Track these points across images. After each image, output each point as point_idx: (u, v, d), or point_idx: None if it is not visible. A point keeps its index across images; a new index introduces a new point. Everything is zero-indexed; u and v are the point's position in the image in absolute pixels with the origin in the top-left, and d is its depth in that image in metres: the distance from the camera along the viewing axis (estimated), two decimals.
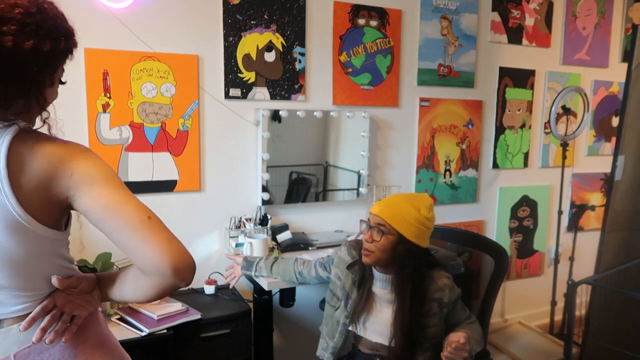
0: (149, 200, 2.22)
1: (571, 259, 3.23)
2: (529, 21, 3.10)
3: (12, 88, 0.86)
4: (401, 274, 1.57)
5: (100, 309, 1.08)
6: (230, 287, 2.13)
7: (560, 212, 3.13)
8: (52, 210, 0.89)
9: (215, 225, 2.39)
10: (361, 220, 1.65)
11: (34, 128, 0.93)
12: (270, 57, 2.39)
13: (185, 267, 0.85)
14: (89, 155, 0.91)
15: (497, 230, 3.21)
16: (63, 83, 1.00)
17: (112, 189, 0.88)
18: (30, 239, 0.88)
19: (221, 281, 2.25)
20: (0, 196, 0.84)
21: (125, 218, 0.85)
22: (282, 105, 2.43)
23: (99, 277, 1.05)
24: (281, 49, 2.41)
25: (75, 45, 0.99)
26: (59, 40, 0.91)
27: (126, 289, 0.99)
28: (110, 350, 1.05)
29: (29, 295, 0.94)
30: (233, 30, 2.30)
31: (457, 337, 1.48)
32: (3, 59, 0.83)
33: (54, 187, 0.87)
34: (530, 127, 3.21)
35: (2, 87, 0.85)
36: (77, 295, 0.99)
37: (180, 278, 0.85)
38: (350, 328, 1.68)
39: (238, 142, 2.39)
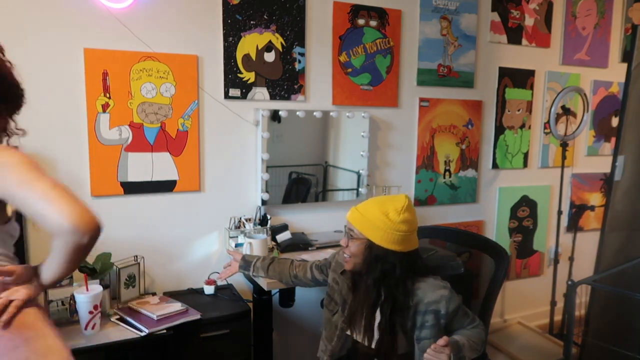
0: (148, 200, 2.24)
1: (571, 259, 3.23)
2: (529, 21, 3.10)
3: None
4: (367, 279, 1.56)
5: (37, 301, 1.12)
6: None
7: (559, 212, 3.13)
8: None
9: (214, 226, 2.39)
10: (345, 226, 1.65)
11: None
12: (269, 57, 2.39)
13: (85, 224, 0.97)
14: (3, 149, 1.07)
15: (496, 231, 3.21)
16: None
17: (21, 171, 1.01)
18: None
19: (221, 281, 2.25)
20: None
21: (32, 189, 0.98)
22: (282, 106, 2.43)
23: (37, 266, 1.14)
24: (281, 49, 2.41)
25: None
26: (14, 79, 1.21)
27: (49, 262, 1.09)
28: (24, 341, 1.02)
29: None
30: (233, 31, 2.30)
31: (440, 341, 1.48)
32: None
33: None
34: (529, 127, 3.21)
35: None
36: (14, 283, 1.08)
37: (81, 234, 0.97)
38: (348, 333, 1.68)
39: (238, 142, 2.38)
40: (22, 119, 1.99)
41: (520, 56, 3.11)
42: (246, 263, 1.98)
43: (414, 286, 1.56)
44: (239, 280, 2.36)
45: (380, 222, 1.51)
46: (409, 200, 1.56)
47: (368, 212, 1.55)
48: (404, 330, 1.56)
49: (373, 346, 1.59)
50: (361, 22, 2.59)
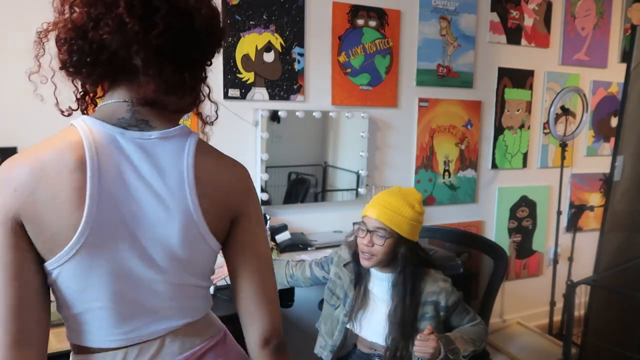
0: None
1: (570, 259, 3.23)
2: (528, 21, 3.10)
3: (187, 74, 0.82)
4: (404, 273, 1.56)
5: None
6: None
7: (559, 213, 3.13)
8: (223, 226, 0.88)
9: None
10: (354, 223, 1.63)
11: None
12: (269, 57, 2.39)
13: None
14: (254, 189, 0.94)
15: (496, 231, 3.21)
16: (205, 77, 0.96)
17: (266, 239, 0.94)
18: (203, 252, 0.87)
19: (220, 282, 2.25)
20: (188, 205, 0.81)
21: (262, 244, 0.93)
22: (281, 106, 2.43)
23: None
24: (280, 50, 2.41)
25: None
26: (218, 17, 0.86)
27: None
28: None
29: (191, 311, 0.91)
30: (232, 31, 2.30)
31: (425, 330, 1.51)
32: (185, 25, 0.77)
33: (236, 211, 0.88)
34: (529, 128, 3.21)
35: (179, 69, 0.80)
36: None
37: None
38: (348, 326, 1.68)
39: (237, 142, 2.38)
40: (19, 120, 2.00)
41: (519, 56, 3.11)
42: None
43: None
44: None
45: (409, 216, 1.54)
46: None
47: (397, 208, 1.54)
48: (415, 323, 1.58)
49: (388, 342, 1.59)
50: (360, 22, 2.59)
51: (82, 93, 0.88)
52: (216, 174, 0.85)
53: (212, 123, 0.96)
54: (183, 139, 0.83)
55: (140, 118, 0.81)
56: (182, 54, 0.79)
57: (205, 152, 0.85)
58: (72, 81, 0.84)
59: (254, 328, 0.91)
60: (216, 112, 0.95)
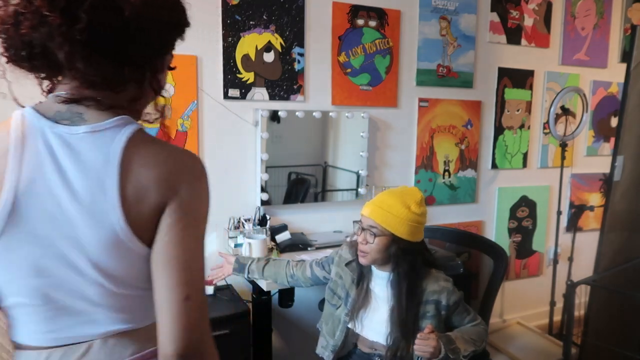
0: None
1: (570, 259, 3.23)
2: (528, 21, 3.10)
3: (126, 67, 0.77)
4: (397, 273, 1.58)
5: None
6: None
7: (559, 213, 3.13)
8: (150, 227, 0.78)
9: (213, 226, 2.39)
10: (354, 222, 1.65)
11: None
12: (269, 57, 2.39)
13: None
14: (203, 181, 0.84)
15: (496, 231, 3.21)
16: (172, 69, 0.90)
17: (194, 240, 0.80)
18: (130, 260, 0.79)
19: (220, 282, 2.25)
20: (107, 206, 0.74)
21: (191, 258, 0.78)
22: (281, 106, 2.43)
23: None
24: (280, 50, 2.41)
25: (187, 20, 0.86)
26: (159, 3, 0.79)
27: None
28: None
29: (125, 318, 0.84)
30: (232, 31, 2.30)
31: (425, 329, 1.51)
32: (116, 17, 0.72)
33: (161, 207, 0.76)
34: (529, 128, 3.21)
35: (113, 63, 0.75)
36: None
37: None
38: (349, 326, 1.68)
39: (237, 142, 2.38)
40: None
41: (519, 56, 3.11)
42: (240, 266, 1.93)
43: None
44: (238, 281, 2.36)
45: (404, 216, 1.53)
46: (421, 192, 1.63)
47: (391, 207, 1.55)
48: (417, 322, 1.58)
49: (389, 341, 1.59)
50: (360, 22, 2.58)
51: (50, 87, 0.84)
52: (148, 167, 0.75)
53: (154, 120, 0.89)
54: (116, 131, 0.76)
55: (76, 111, 0.77)
56: (116, 48, 0.75)
57: (140, 145, 0.77)
58: (35, 76, 0.81)
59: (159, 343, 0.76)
60: (163, 108, 0.90)
